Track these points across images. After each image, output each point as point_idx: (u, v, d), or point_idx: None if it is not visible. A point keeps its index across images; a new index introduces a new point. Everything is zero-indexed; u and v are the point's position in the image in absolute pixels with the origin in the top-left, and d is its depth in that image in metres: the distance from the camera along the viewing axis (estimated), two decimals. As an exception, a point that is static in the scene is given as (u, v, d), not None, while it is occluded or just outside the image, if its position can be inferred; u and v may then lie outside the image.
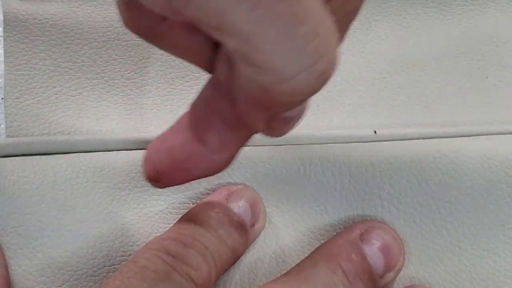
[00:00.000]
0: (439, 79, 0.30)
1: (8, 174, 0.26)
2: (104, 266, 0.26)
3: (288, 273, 0.25)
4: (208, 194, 0.27)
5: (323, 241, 0.27)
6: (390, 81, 0.30)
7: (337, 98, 0.30)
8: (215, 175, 0.20)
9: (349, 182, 0.27)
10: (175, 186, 0.24)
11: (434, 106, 0.30)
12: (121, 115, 0.29)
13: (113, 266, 0.26)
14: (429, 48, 0.31)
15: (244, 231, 0.26)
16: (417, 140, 0.29)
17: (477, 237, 0.27)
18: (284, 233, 0.27)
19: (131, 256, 0.24)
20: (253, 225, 0.26)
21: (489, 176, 0.27)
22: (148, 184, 0.21)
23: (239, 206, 0.26)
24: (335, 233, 0.27)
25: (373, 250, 0.25)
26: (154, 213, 0.27)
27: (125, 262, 0.25)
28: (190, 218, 0.25)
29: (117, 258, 0.26)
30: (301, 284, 0.23)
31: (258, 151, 0.28)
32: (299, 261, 0.25)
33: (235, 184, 0.27)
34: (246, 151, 0.27)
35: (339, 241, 0.25)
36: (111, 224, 0.27)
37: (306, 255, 0.26)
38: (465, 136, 0.28)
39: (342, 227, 0.27)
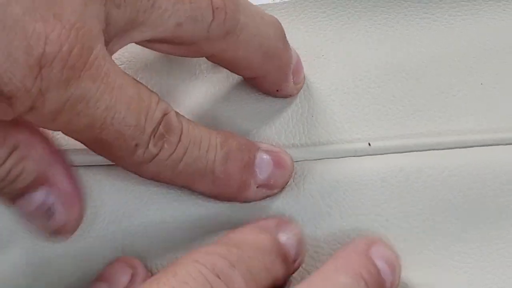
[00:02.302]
0: (433, 88, 0.30)
1: None
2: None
3: (308, 283, 0.24)
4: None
5: (317, 258, 0.26)
6: (384, 90, 0.30)
7: (331, 109, 0.29)
8: None
9: (344, 199, 0.27)
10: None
11: (429, 115, 0.29)
12: None
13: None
14: (422, 57, 0.31)
15: (288, 265, 0.25)
16: (413, 152, 0.28)
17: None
18: None
19: (172, 263, 0.23)
20: (295, 260, 0.26)
21: (482, 188, 0.27)
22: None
23: (287, 238, 0.25)
24: (330, 250, 0.27)
25: (383, 265, 0.25)
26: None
27: (163, 268, 0.24)
28: (239, 236, 0.25)
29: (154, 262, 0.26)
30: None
31: None
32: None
33: (282, 216, 0.27)
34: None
35: (352, 253, 0.25)
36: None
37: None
38: (461, 148, 0.28)
39: (337, 244, 0.27)
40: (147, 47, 0.27)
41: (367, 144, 0.28)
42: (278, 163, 0.27)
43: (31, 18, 0.20)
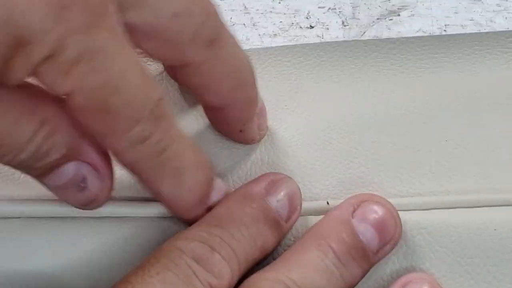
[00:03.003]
0: (397, 141, 0.29)
1: None
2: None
3: (280, 259, 0.24)
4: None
5: None
6: (348, 142, 0.29)
7: (292, 160, 0.28)
8: None
9: None
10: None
11: (392, 170, 0.28)
12: None
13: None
14: (388, 110, 0.30)
15: (278, 228, 0.25)
16: None
17: None
18: None
19: (155, 251, 0.24)
20: (288, 218, 0.26)
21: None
22: None
23: (277, 201, 0.25)
24: None
25: (365, 227, 0.25)
26: None
27: (146, 256, 0.24)
28: (225, 211, 0.25)
29: None
30: (291, 270, 0.23)
31: None
32: None
33: (276, 173, 0.27)
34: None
35: (330, 222, 0.25)
36: None
37: None
38: (419, 210, 0.27)
39: None
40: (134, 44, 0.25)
41: (326, 203, 0.27)
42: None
43: None
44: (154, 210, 0.27)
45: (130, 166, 0.25)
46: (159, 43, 0.25)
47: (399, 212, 0.26)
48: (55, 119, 0.23)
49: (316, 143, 0.29)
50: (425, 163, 0.28)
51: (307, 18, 0.33)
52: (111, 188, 0.25)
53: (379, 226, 0.25)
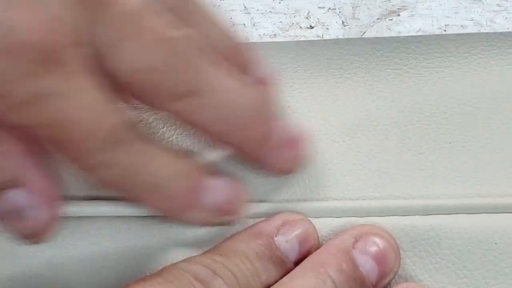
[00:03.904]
0: (401, 144, 0.29)
1: None
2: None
3: (278, 284, 0.24)
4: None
5: None
6: (350, 145, 0.29)
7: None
8: None
9: None
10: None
11: (392, 174, 0.28)
12: None
13: None
14: (392, 112, 0.29)
15: (284, 268, 0.25)
16: (372, 217, 0.27)
17: None
18: None
19: (157, 270, 0.24)
20: (298, 259, 0.26)
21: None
22: None
23: (286, 241, 0.25)
24: None
25: (366, 259, 0.25)
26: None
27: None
28: (230, 244, 0.25)
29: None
30: None
31: None
32: None
33: (293, 213, 0.27)
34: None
35: (330, 250, 0.25)
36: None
37: None
38: (421, 215, 0.27)
39: None
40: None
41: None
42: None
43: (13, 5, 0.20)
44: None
45: (104, 184, 0.25)
46: (137, 92, 0.25)
47: (401, 217, 0.26)
48: (7, 142, 0.24)
49: (318, 145, 0.29)
50: (429, 165, 0.28)
51: (307, 18, 0.33)
52: (55, 218, 0.26)
53: (380, 259, 0.25)
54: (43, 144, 0.24)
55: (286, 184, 0.28)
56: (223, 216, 0.26)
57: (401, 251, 0.26)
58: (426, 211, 0.27)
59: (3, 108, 0.22)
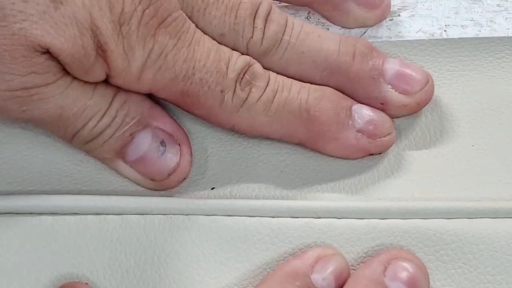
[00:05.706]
0: (423, 148, 0.29)
1: None
2: None
3: None
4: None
5: None
6: None
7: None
8: None
9: None
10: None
11: (413, 176, 0.28)
12: None
13: None
14: (415, 114, 0.29)
15: None
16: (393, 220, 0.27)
17: None
18: None
19: None
20: None
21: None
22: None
23: (323, 279, 0.25)
24: None
25: (398, 286, 0.24)
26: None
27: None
28: (268, 287, 0.25)
29: None
30: None
31: None
32: None
33: (325, 248, 0.26)
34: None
35: (362, 282, 0.25)
36: None
37: None
38: (443, 218, 0.27)
39: None
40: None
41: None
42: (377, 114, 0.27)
43: None
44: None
45: (252, 131, 0.27)
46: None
47: (423, 220, 0.26)
48: (126, 92, 0.26)
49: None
50: (450, 168, 0.28)
51: (307, 18, 0.32)
52: (190, 160, 0.27)
53: (411, 283, 0.25)
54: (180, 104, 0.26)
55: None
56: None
57: (423, 255, 0.26)
58: (448, 215, 0.26)
59: (128, 80, 0.25)
